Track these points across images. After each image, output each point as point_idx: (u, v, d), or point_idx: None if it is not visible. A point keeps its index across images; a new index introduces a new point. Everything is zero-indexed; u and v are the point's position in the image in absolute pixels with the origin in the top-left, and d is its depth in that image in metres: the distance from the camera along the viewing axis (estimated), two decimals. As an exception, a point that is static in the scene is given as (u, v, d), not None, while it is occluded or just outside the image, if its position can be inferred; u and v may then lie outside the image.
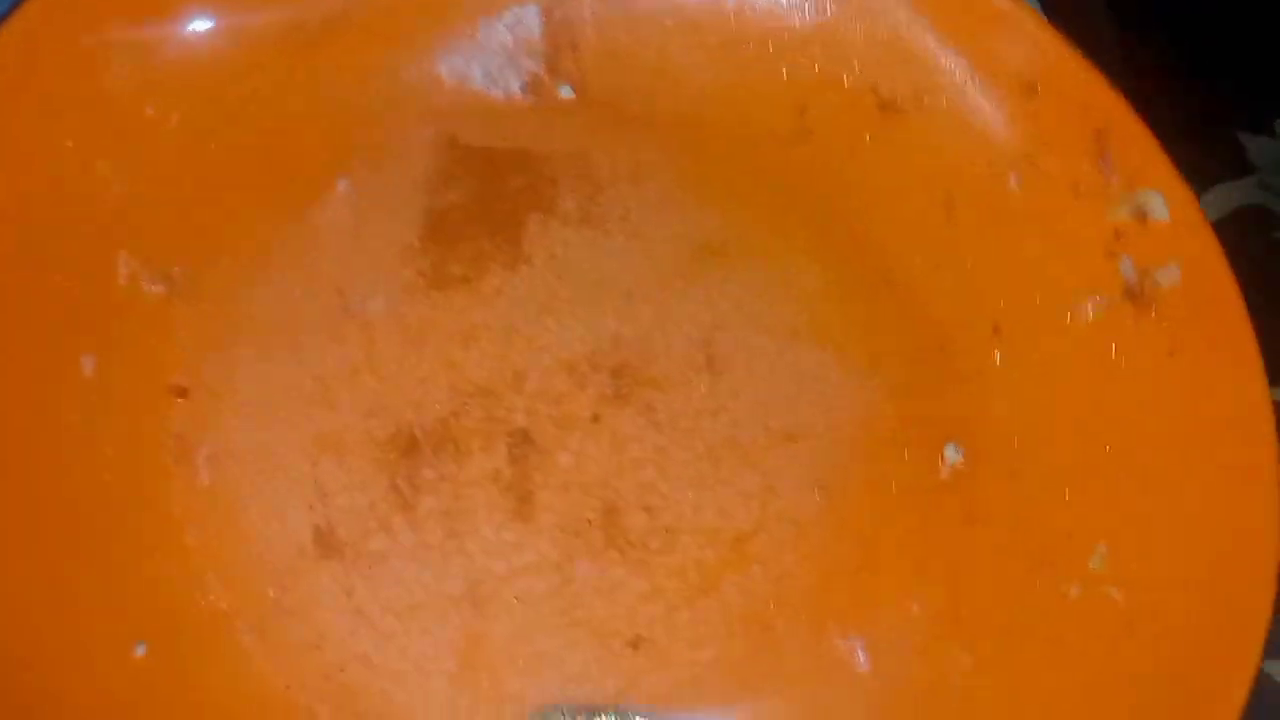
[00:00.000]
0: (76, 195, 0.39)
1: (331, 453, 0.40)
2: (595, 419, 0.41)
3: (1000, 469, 0.43)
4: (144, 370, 0.40)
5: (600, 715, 0.38)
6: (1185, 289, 0.42)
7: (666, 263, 0.44)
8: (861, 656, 0.40)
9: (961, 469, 0.43)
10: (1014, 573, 0.41)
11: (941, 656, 0.40)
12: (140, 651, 0.36)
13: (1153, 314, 0.42)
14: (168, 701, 0.36)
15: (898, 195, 0.45)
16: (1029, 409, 0.43)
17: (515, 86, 0.45)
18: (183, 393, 0.40)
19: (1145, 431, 0.42)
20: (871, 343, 0.44)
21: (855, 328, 0.44)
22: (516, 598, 0.39)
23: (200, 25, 0.42)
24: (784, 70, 0.46)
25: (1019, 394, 0.43)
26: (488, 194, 0.44)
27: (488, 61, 0.45)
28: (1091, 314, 0.43)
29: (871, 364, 0.44)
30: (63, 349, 0.38)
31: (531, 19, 0.45)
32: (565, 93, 0.45)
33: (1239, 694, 0.36)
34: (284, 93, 0.43)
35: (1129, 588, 0.40)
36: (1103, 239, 0.43)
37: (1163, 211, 0.42)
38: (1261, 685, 0.44)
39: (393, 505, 0.39)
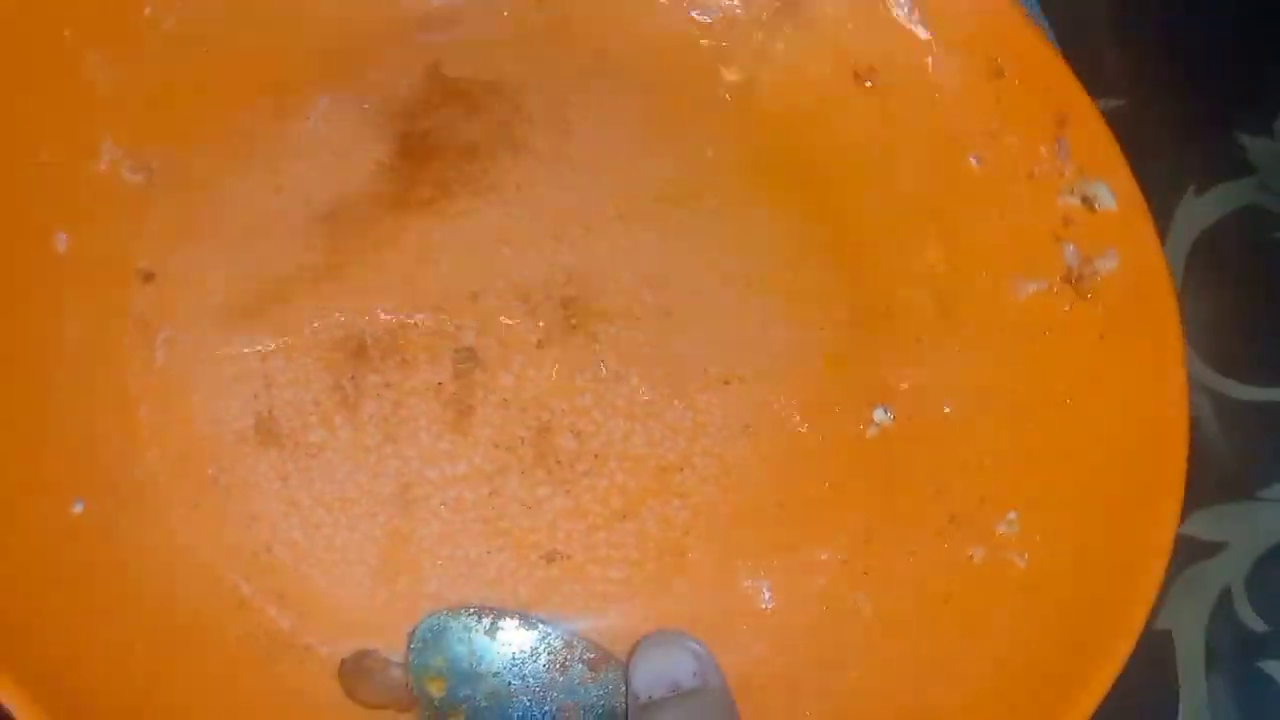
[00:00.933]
0: (68, 82, 0.41)
1: (281, 348, 0.42)
2: (540, 344, 0.43)
3: (926, 434, 0.44)
4: (114, 252, 0.42)
5: (506, 618, 0.40)
6: (1121, 277, 0.43)
7: (628, 204, 0.46)
8: (766, 595, 0.42)
9: (889, 430, 0.44)
10: (924, 533, 0.43)
11: (844, 603, 0.42)
12: (78, 509, 0.38)
13: (1088, 298, 0.43)
14: (98, 560, 0.37)
15: (859, 162, 0.47)
16: (962, 380, 0.45)
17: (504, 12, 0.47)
18: (149, 277, 0.42)
19: (1068, 409, 0.43)
20: (819, 301, 0.46)
21: (805, 285, 0.46)
22: (444, 504, 0.41)
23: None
24: (758, 35, 0.47)
25: (954, 365, 0.45)
26: (463, 124, 0.46)
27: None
28: (1032, 293, 0.44)
29: (816, 321, 0.45)
30: (38, 223, 0.40)
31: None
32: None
33: (1121, 655, 0.37)
34: (279, 6, 0.45)
35: (1031, 553, 0.41)
36: (1051, 224, 0.44)
37: (1109, 201, 0.44)
38: (1263, 687, 0.46)
39: (335, 403, 0.41)
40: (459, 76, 0.46)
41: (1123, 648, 0.37)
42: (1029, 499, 0.42)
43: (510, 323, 0.43)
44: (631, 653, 0.38)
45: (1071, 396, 0.43)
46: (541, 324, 0.43)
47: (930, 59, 0.46)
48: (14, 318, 0.39)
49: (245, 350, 0.42)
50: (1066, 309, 0.44)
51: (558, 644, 0.39)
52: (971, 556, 0.42)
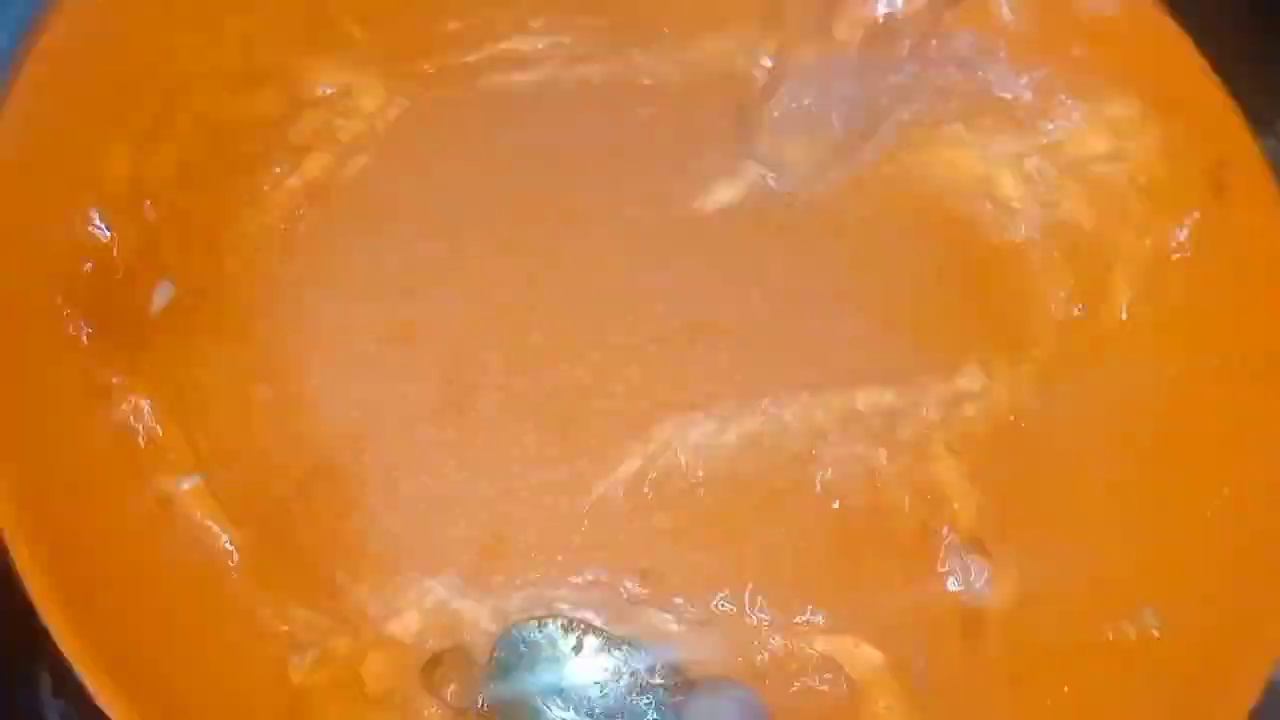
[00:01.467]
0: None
1: (402, 341, 0.43)
2: (656, 356, 0.43)
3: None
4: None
5: (591, 635, 0.39)
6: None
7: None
8: (869, 657, 0.40)
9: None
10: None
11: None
12: (186, 485, 0.39)
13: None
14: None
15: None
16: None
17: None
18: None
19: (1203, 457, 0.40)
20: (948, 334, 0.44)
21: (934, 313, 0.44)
22: (543, 510, 0.41)
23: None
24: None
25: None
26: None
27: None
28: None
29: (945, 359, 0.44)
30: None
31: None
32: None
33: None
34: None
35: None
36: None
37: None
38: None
39: (446, 401, 0.42)
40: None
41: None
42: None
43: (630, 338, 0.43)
44: (686, 699, 0.37)
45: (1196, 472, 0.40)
46: (662, 337, 0.43)
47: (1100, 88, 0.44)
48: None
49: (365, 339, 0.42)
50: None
51: (640, 667, 0.39)
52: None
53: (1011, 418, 0.42)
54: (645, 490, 0.41)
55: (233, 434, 0.40)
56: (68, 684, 0.50)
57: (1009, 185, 0.45)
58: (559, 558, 0.41)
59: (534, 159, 0.44)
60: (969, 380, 0.43)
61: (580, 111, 0.45)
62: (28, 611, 0.51)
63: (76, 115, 0.39)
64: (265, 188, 0.43)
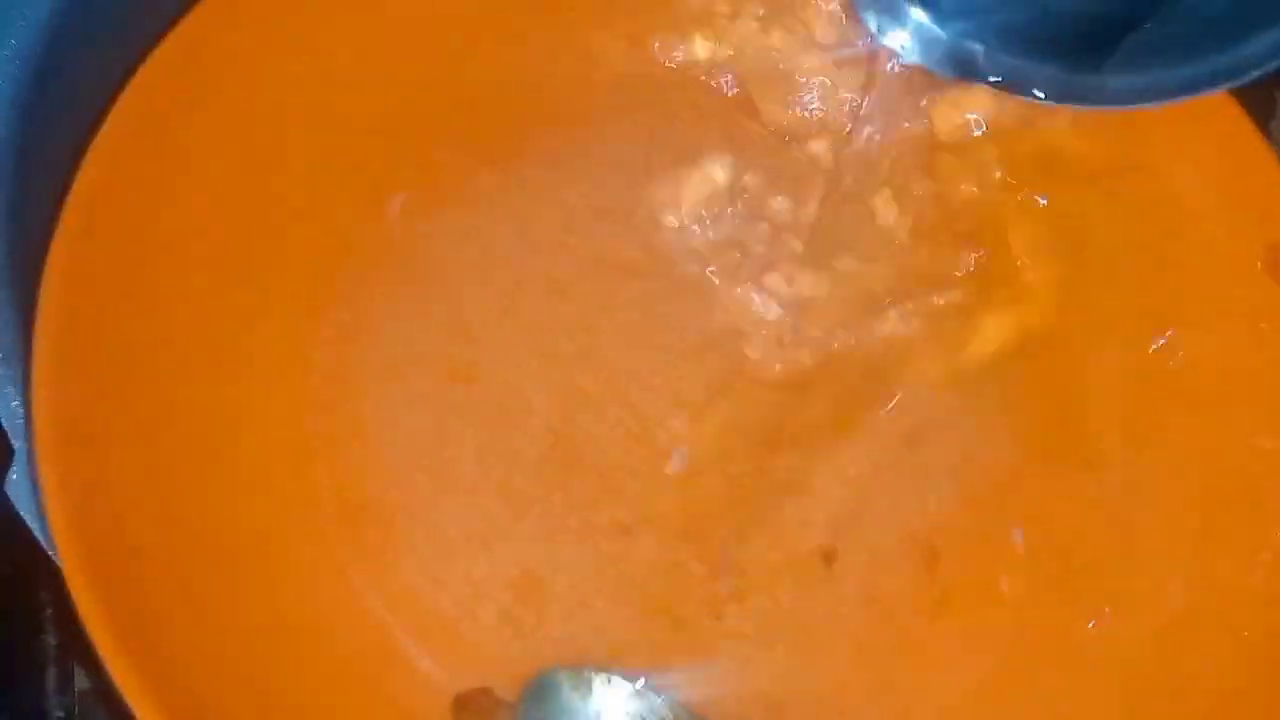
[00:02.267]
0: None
1: (463, 381, 0.42)
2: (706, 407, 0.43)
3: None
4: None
5: (624, 682, 0.39)
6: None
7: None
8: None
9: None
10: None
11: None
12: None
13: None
14: (240, 564, 0.38)
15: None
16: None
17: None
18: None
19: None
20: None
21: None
22: (581, 552, 0.41)
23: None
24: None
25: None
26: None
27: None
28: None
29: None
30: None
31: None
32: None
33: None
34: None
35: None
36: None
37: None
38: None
39: (492, 440, 0.42)
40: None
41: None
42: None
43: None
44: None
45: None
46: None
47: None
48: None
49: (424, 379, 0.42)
50: None
51: (670, 715, 0.38)
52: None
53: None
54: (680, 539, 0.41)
55: (280, 463, 0.40)
56: (70, 683, 0.50)
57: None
58: (596, 603, 0.40)
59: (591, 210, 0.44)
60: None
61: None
62: (30, 610, 0.51)
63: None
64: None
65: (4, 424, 0.38)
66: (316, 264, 0.42)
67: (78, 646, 0.51)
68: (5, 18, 0.41)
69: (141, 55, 0.47)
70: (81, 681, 0.51)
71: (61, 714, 0.50)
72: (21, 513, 0.36)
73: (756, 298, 0.43)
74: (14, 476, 0.37)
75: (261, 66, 0.41)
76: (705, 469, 0.42)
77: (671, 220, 0.44)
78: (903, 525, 0.42)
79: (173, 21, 0.47)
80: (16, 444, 0.37)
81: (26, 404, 0.36)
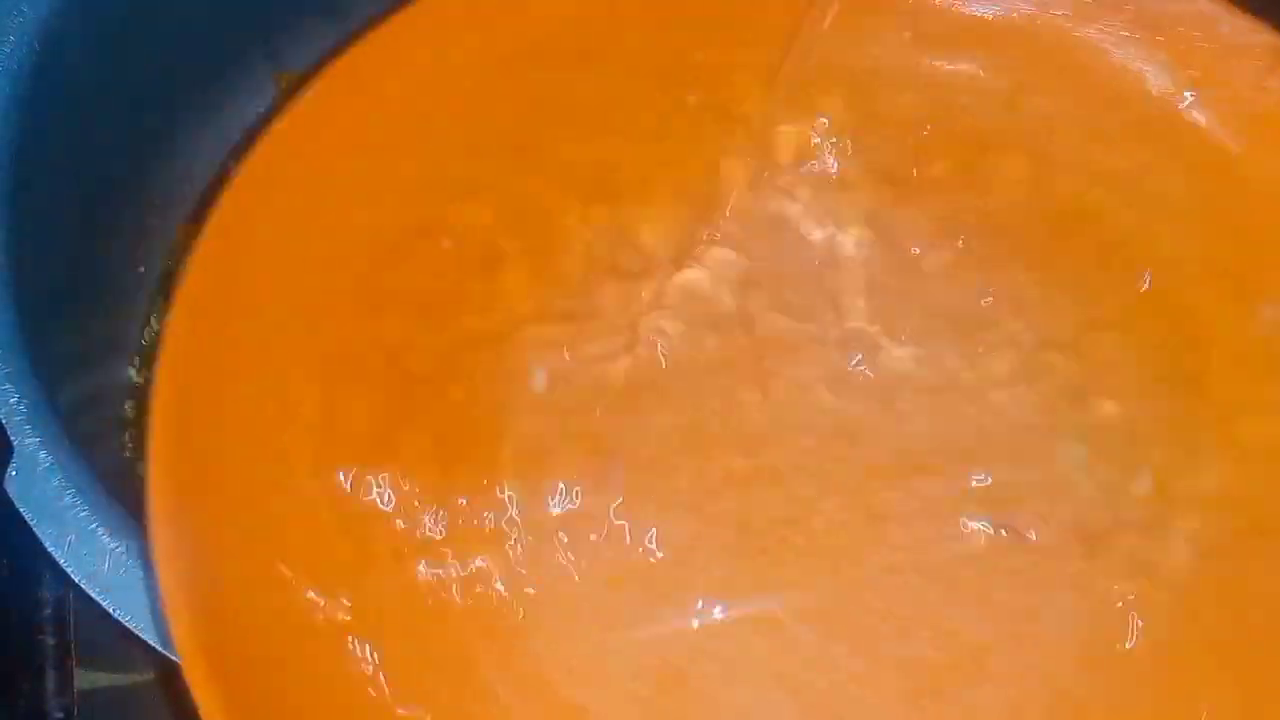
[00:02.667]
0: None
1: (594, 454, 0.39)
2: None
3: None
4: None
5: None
6: None
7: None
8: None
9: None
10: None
11: None
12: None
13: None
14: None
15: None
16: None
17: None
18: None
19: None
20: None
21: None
22: (728, 645, 0.37)
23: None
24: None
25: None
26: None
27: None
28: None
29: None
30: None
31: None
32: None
33: None
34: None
35: None
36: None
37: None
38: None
39: (632, 519, 0.38)
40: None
41: None
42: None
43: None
44: None
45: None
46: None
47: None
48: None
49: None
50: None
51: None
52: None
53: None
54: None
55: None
56: (70, 684, 0.50)
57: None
58: (741, 698, 0.36)
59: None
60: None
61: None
62: (30, 611, 0.51)
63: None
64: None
65: (2, 420, 0.38)
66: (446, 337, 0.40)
67: (77, 647, 0.51)
68: (4, 17, 0.41)
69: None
70: (81, 682, 0.51)
71: (61, 714, 0.50)
72: (21, 509, 0.36)
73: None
74: (13, 473, 0.37)
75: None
76: (864, 557, 0.38)
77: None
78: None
79: (174, 20, 0.48)
80: (15, 441, 0.37)
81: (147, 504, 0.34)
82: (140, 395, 0.49)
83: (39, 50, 0.42)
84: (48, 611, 0.51)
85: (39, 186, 0.42)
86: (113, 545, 0.36)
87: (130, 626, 0.35)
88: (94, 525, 0.36)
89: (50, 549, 0.36)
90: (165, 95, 0.49)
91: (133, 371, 0.50)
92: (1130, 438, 0.39)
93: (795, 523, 0.38)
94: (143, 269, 0.51)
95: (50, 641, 0.51)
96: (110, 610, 0.35)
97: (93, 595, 0.35)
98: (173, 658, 0.34)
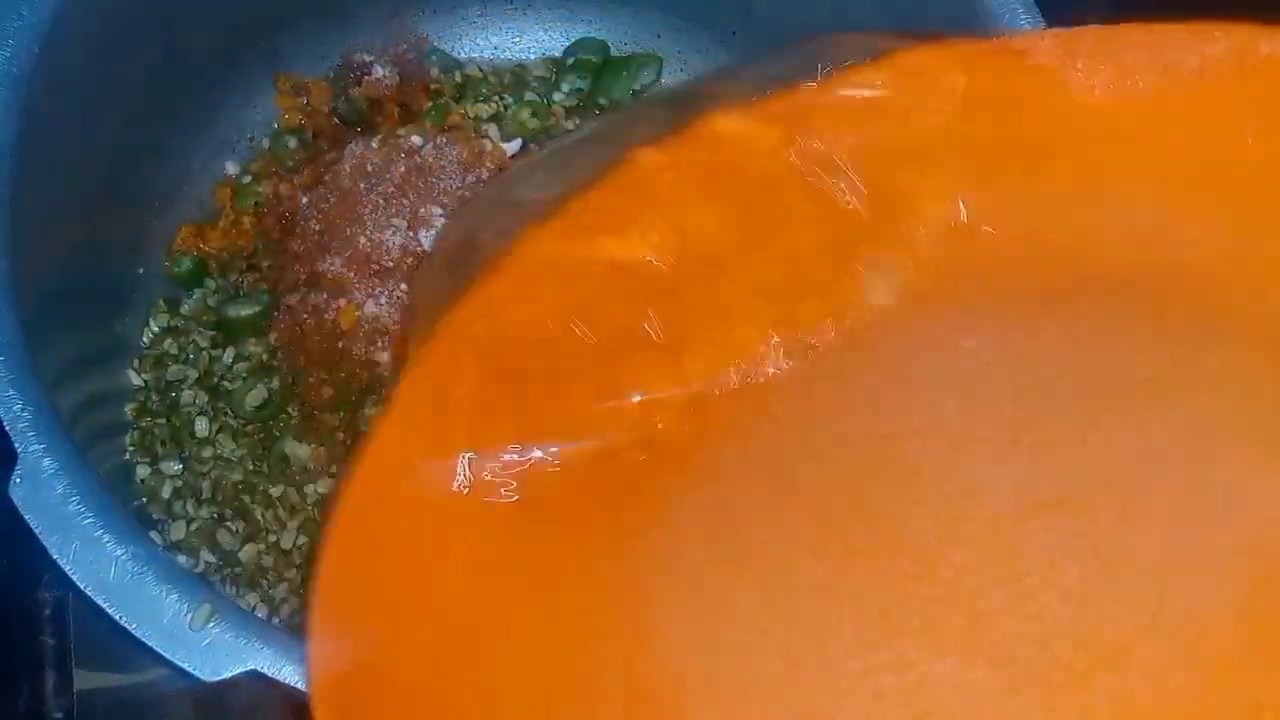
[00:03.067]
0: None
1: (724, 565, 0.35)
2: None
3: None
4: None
5: None
6: None
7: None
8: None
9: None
10: None
11: None
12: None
13: None
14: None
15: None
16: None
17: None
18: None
19: None
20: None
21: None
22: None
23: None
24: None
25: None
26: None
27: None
28: None
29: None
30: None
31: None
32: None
33: None
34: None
35: None
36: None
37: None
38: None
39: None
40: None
41: None
42: None
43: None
44: None
45: None
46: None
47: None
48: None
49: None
50: None
51: None
52: None
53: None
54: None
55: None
56: (70, 684, 0.50)
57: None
58: None
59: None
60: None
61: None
62: (30, 610, 0.51)
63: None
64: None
65: (6, 427, 0.38)
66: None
67: (77, 648, 0.51)
68: (4, 21, 0.41)
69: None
70: (81, 682, 0.51)
71: (60, 715, 0.50)
72: (26, 517, 0.36)
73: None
74: (18, 480, 0.37)
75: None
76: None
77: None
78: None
79: (173, 23, 0.48)
80: (20, 448, 0.37)
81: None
82: (140, 398, 0.49)
83: (39, 54, 0.42)
84: (47, 612, 0.51)
85: (40, 189, 0.42)
86: (117, 551, 0.36)
87: (136, 633, 0.35)
88: (99, 531, 0.36)
89: (55, 556, 0.35)
90: (165, 98, 0.49)
91: (133, 374, 0.50)
92: None
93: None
94: (142, 270, 0.51)
95: (50, 642, 0.51)
96: (117, 617, 0.35)
97: (99, 602, 0.35)
98: (177, 662, 0.35)
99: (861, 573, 0.33)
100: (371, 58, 0.53)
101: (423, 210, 0.49)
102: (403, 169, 0.49)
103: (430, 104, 0.54)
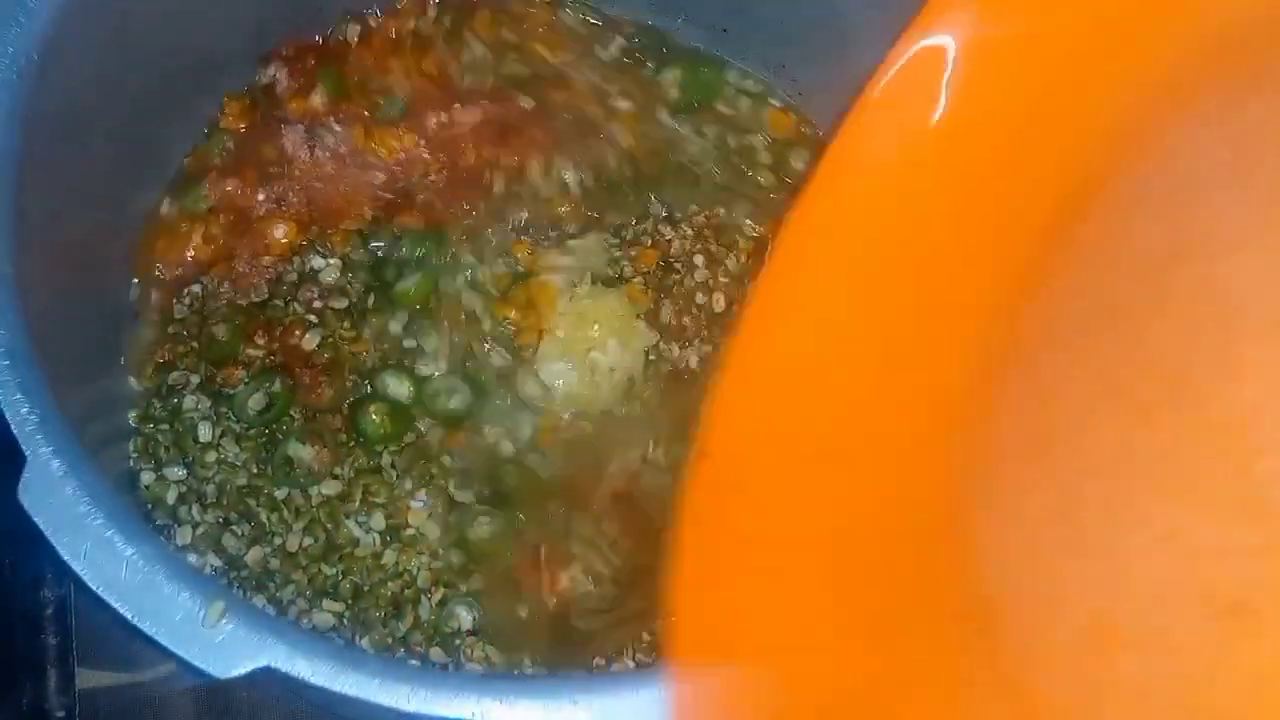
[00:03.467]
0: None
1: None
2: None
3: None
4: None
5: None
6: None
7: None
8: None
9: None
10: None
11: None
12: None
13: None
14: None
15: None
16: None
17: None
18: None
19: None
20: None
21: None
22: None
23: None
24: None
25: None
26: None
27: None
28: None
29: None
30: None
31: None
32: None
33: None
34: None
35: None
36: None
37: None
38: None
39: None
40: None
41: None
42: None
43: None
44: None
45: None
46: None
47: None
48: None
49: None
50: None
51: None
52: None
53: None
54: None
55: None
56: (71, 683, 0.50)
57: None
58: None
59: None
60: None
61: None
62: (30, 610, 0.51)
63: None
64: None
65: (14, 430, 0.38)
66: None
67: (79, 646, 0.51)
68: (2, 28, 0.42)
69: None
70: (83, 681, 0.51)
71: (62, 714, 0.51)
72: (36, 520, 0.36)
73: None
74: (27, 482, 0.37)
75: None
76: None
77: None
78: None
79: (168, 28, 0.48)
80: (28, 451, 0.37)
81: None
82: (143, 404, 0.50)
83: (37, 60, 0.42)
84: (50, 611, 0.51)
85: (41, 195, 0.42)
86: (128, 551, 0.36)
87: (149, 632, 0.35)
88: (109, 533, 0.36)
89: (67, 558, 0.36)
90: (163, 101, 0.49)
91: (134, 380, 0.50)
92: None
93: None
94: (143, 274, 0.51)
95: (52, 641, 0.51)
96: (130, 617, 0.35)
97: (111, 602, 0.35)
98: (191, 660, 0.35)
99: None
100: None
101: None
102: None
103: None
